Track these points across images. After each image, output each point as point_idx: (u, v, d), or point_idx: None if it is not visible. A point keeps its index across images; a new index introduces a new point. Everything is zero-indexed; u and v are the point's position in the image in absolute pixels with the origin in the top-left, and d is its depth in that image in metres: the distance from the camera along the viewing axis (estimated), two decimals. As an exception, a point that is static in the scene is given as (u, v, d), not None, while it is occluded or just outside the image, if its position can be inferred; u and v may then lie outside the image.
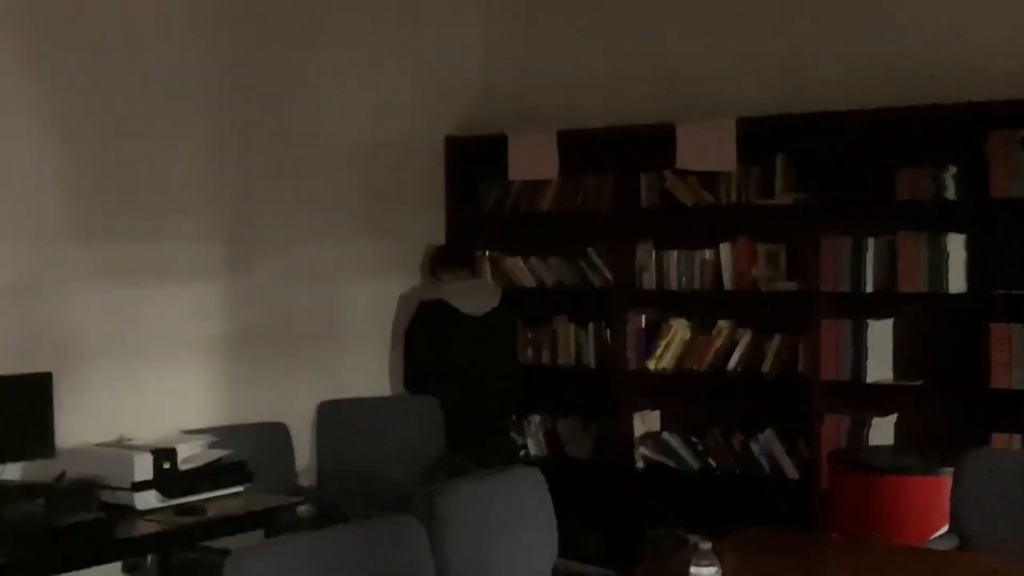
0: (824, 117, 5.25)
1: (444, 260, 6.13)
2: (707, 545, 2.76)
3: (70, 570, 3.59)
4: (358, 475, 5.40)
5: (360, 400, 5.71)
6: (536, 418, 6.22)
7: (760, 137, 5.44)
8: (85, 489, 4.17)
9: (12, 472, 4.31)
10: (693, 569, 2.71)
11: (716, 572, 2.71)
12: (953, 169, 5.06)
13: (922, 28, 5.23)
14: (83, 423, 4.61)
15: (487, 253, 6.28)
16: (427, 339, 5.90)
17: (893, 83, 5.22)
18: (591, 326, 6.04)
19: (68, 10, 4.68)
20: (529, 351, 6.19)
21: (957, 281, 5.07)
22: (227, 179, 5.29)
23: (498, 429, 5.98)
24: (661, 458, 5.84)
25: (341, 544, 3.07)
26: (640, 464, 5.87)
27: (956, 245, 5.07)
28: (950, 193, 5.06)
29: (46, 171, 4.63)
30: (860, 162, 5.28)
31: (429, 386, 5.83)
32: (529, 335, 6.20)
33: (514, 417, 6.19)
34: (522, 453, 6.13)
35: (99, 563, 4.12)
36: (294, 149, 5.59)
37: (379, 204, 6.01)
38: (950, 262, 5.07)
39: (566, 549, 3.86)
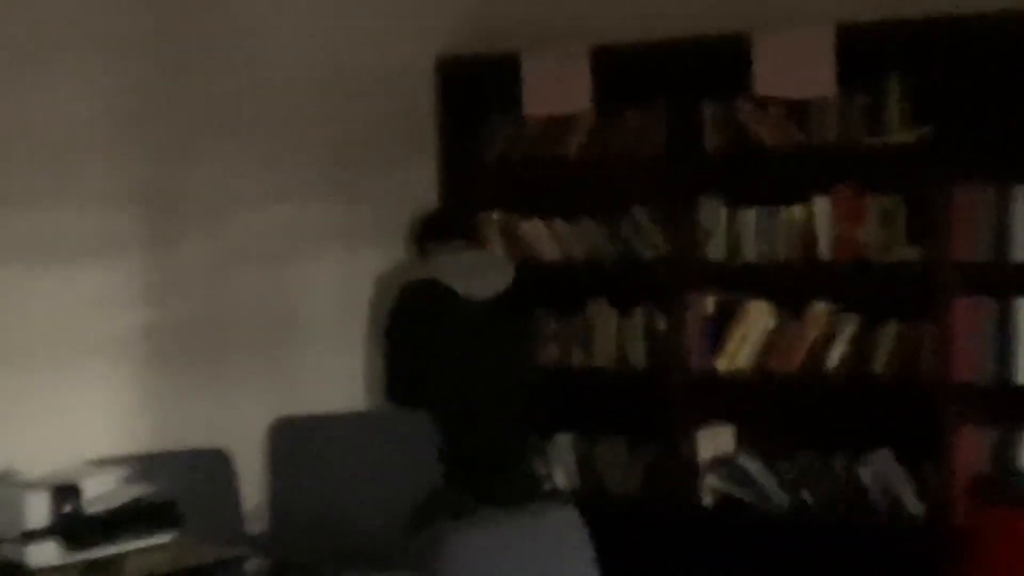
0: (954, 22, 5.21)
1: (435, 228, 6.13)
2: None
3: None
4: (324, 517, 5.38)
5: (326, 417, 5.69)
6: (565, 439, 6.25)
7: (868, 52, 5.41)
8: (-40, 543, 4.19)
9: None
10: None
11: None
12: None
13: None
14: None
15: (494, 216, 6.30)
16: (415, 333, 5.89)
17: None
18: (638, 313, 6.03)
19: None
20: (554, 348, 6.22)
21: None
22: (145, 124, 5.32)
23: (513, 452, 5.97)
24: (736, 490, 5.83)
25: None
26: (707, 500, 5.87)
27: None
28: None
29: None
30: (1005, 85, 5.23)
31: (418, 396, 5.81)
32: (554, 327, 6.23)
33: (534, 437, 6.18)
34: (547, 486, 6.15)
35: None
36: (234, 84, 5.62)
37: (347, 154, 6.04)
38: None
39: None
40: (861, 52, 5.38)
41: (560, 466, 6.22)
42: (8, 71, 4.86)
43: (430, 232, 6.11)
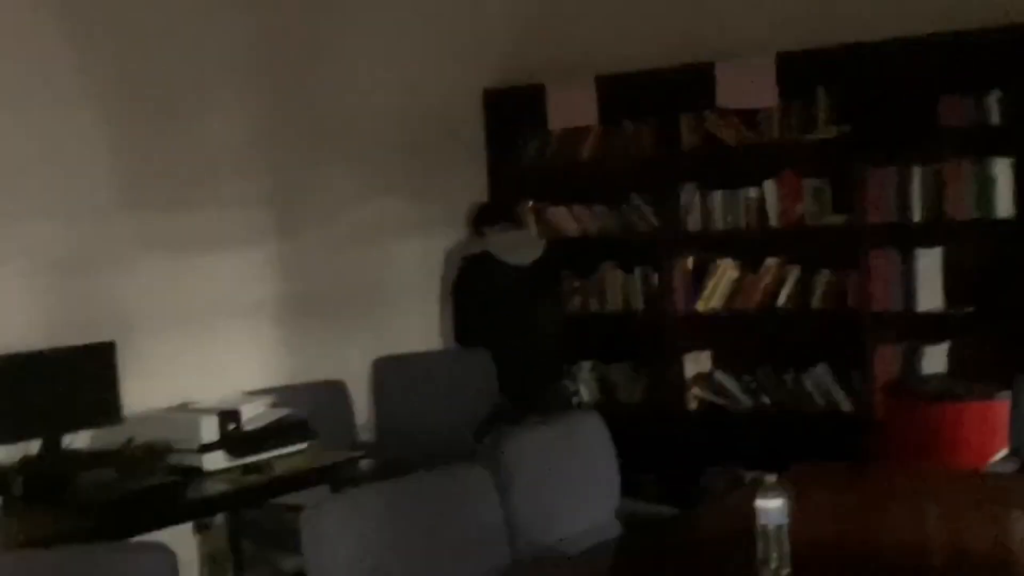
0: (863, 48, 5.24)
1: (487, 214, 6.14)
2: (772, 478, 2.75)
3: (143, 533, 3.64)
4: (416, 428, 5.45)
5: (413, 355, 5.76)
6: (587, 365, 6.25)
7: (800, 72, 5.42)
8: (154, 453, 4.25)
9: (82, 440, 4.38)
10: (759, 502, 2.70)
11: (783, 504, 2.69)
12: (997, 93, 5.03)
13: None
14: (148, 389, 4.66)
15: (530, 204, 6.29)
16: (474, 292, 5.93)
17: (932, 8, 5.18)
18: (637, 271, 6.05)
19: (109, 6, 4.74)
20: (577, 299, 6.21)
21: (1005, 206, 5.06)
22: (269, 145, 5.32)
23: (550, 377, 6.00)
24: (713, 398, 5.88)
25: (411, 495, 3.11)
26: (692, 405, 5.91)
27: (1003, 169, 5.06)
28: (994, 118, 5.05)
29: (98, 148, 4.68)
30: (902, 91, 5.25)
31: (479, 339, 5.85)
32: (576, 284, 6.21)
33: (564, 365, 6.19)
34: (575, 400, 6.15)
35: (171, 524, 4.14)
36: (332, 112, 5.60)
37: (420, 162, 6.01)
38: (997, 187, 5.06)
39: (624, 491, 3.89)
40: (796, 72, 5.41)
41: (584, 385, 6.24)
42: (179, 111, 4.91)
43: (482, 217, 6.10)
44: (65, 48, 4.59)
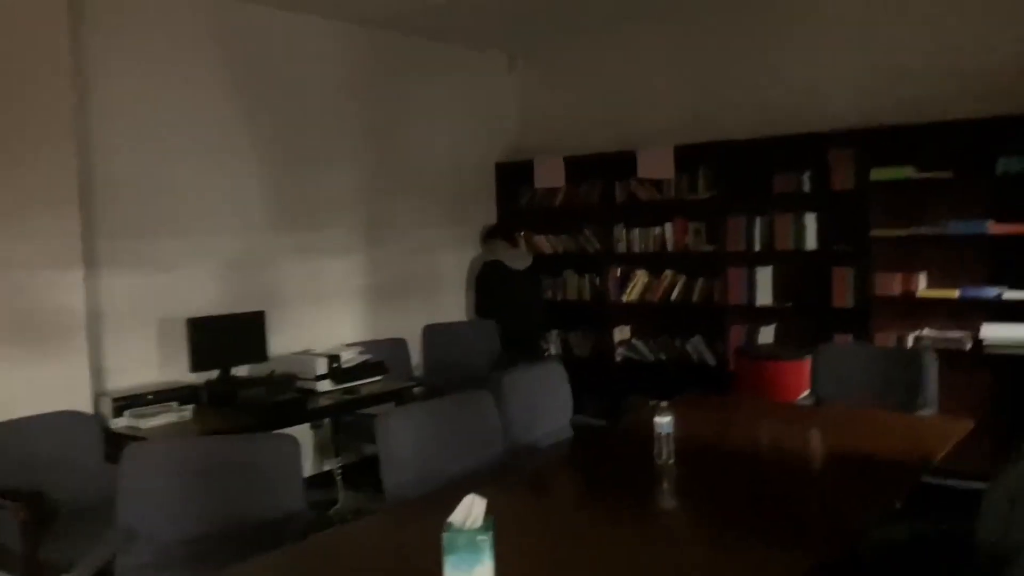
0: (728, 143, 5.23)
1: (490, 232, 6.09)
2: (664, 403, 2.76)
3: (280, 428, 3.66)
4: (449, 368, 5.43)
5: (450, 324, 5.73)
6: (555, 332, 6.21)
7: (688, 156, 5.40)
8: (287, 380, 4.30)
9: (241, 371, 4.42)
10: (657, 418, 2.71)
11: (670, 420, 2.71)
12: (808, 173, 5.01)
13: (786, 86, 5.19)
14: (284, 340, 4.72)
15: (522, 232, 6.24)
16: (489, 285, 5.89)
17: (770, 121, 5.18)
18: (587, 276, 6.00)
19: (266, 85, 4.74)
20: (550, 292, 6.16)
21: (811, 242, 5.04)
22: (366, 191, 5.33)
23: (533, 339, 5.96)
24: (631, 355, 5.84)
25: (444, 409, 3.09)
26: (618, 359, 5.87)
27: (810, 220, 5.04)
28: (806, 188, 5.02)
29: (256, 188, 4.72)
30: (750, 170, 5.22)
31: (490, 314, 5.82)
32: (550, 282, 6.17)
33: (543, 332, 6.14)
34: (547, 353, 6.12)
35: (297, 424, 4.20)
36: (406, 171, 5.60)
37: (457, 203, 5.99)
38: (806, 231, 5.04)
39: (575, 409, 3.88)
40: (686, 156, 5.38)
41: (553, 344, 6.19)
42: (311, 165, 4.95)
43: (488, 234, 6.07)
44: (241, 122, 4.64)
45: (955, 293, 4.52)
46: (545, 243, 6.17)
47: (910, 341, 4.66)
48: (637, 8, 5.30)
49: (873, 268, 4.73)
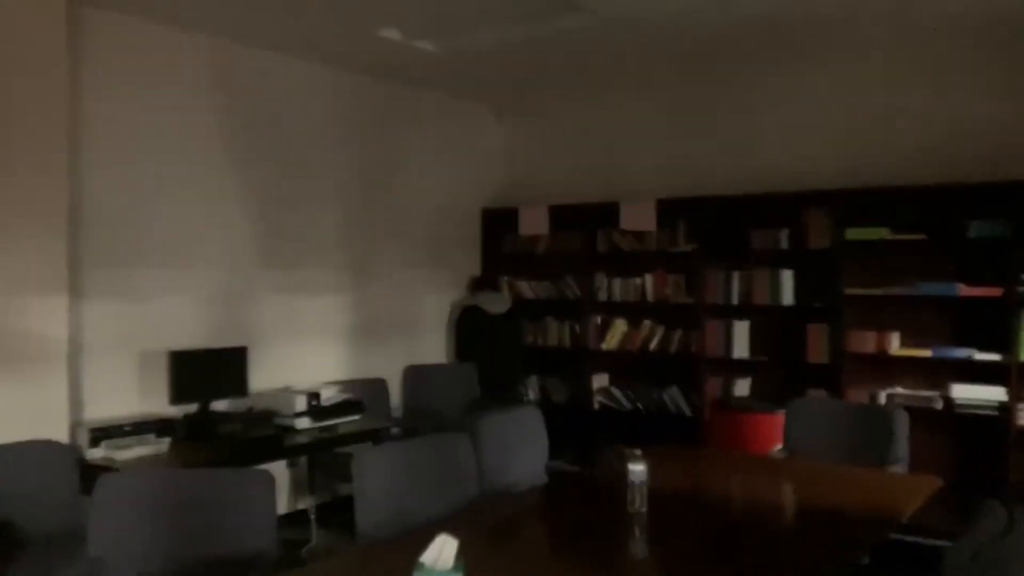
0: (708, 199, 5.30)
1: (479, 282, 6.13)
2: (638, 452, 2.76)
3: (258, 463, 3.64)
4: (427, 409, 5.40)
5: (429, 365, 5.70)
6: (534, 377, 6.20)
7: (669, 210, 5.45)
8: (266, 416, 4.28)
9: (221, 406, 4.38)
10: (630, 465, 2.71)
11: (644, 468, 2.71)
12: (786, 230, 5.08)
13: (766, 147, 5.30)
14: (265, 376, 4.69)
15: (506, 279, 6.26)
16: (467, 328, 5.90)
17: (750, 179, 5.27)
18: (567, 322, 6.01)
19: (257, 124, 4.77)
20: (531, 337, 6.16)
21: (788, 297, 5.09)
22: (352, 232, 5.33)
23: (511, 384, 5.94)
24: (609, 402, 5.83)
25: (421, 450, 3.07)
26: (596, 406, 5.86)
27: (787, 277, 5.10)
28: (784, 245, 5.09)
29: (243, 224, 4.72)
30: (729, 226, 5.29)
31: (469, 357, 5.82)
32: (530, 327, 6.16)
33: (521, 376, 6.13)
34: (525, 399, 6.10)
35: (273, 460, 4.19)
36: (392, 215, 5.61)
37: (441, 248, 6.01)
38: (782, 287, 5.10)
39: (551, 455, 3.84)
40: (667, 210, 5.44)
41: (531, 389, 6.17)
42: (297, 205, 4.94)
43: (475, 284, 6.12)
44: (230, 159, 4.65)
45: (927, 352, 4.57)
46: (527, 289, 6.18)
47: (882, 398, 4.71)
48: (623, 78, 5.41)
49: (846, 325, 4.78)
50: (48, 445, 3.44)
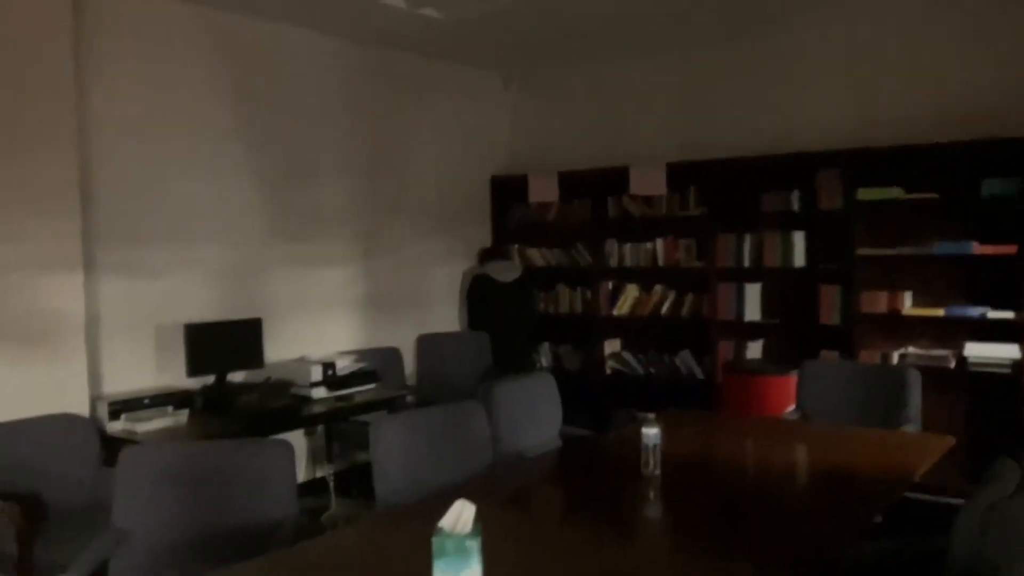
0: (719, 162, 5.26)
1: (489, 251, 6.12)
2: (651, 416, 2.78)
3: (275, 433, 3.68)
4: (441, 378, 5.44)
5: (441, 334, 5.74)
6: (546, 345, 6.23)
7: (680, 174, 5.43)
8: (282, 386, 4.31)
9: (238, 377, 4.42)
10: (644, 430, 2.73)
11: (658, 432, 2.73)
12: (797, 192, 5.06)
13: (776, 108, 5.24)
14: (280, 348, 4.72)
15: (516, 246, 6.27)
16: (479, 298, 5.91)
17: (760, 141, 5.23)
18: (579, 289, 6.02)
19: (265, 97, 4.76)
20: (542, 305, 6.17)
21: (799, 259, 5.08)
22: (362, 204, 5.33)
23: (523, 351, 5.97)
24: (621, 367, 5.85)
25: (436, 418, 3.10)
26: (608, 371, 5.88)
27: (799, 238, 5.08)
28: (795, 207, 5.07)
29: (256, 201, 4.73)
30: (740, 189, 5.27)
31: (481, 326, 5.84)
32: (542, 295, 6.17)
33: (533, 344, 6.16)
34: (538, 366, 6.14)
35: (291, 430, 4.23)
36: (401, 185, 5.61)
37: (451, 217, 6.01)
38: (794, 249, 5.08)
39: (565, 420, 3.88)
40: (677, 174, 5.41)
41: (544, 357, 6.20)
42: (306, 179, 4.94)
43: (486, 253, 6.12)
44: (239, 132, 4.65)
45: (940, 312, 4.56)
46: (538, 256, 6.18)
47: (895, 359, 4.70)
48: (631, 40, 5.35)
49: (859, 286, 4.77)
50: (69, 418, 3.51)
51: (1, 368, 3.44)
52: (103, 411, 3.76)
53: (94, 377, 3.92)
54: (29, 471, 3.31)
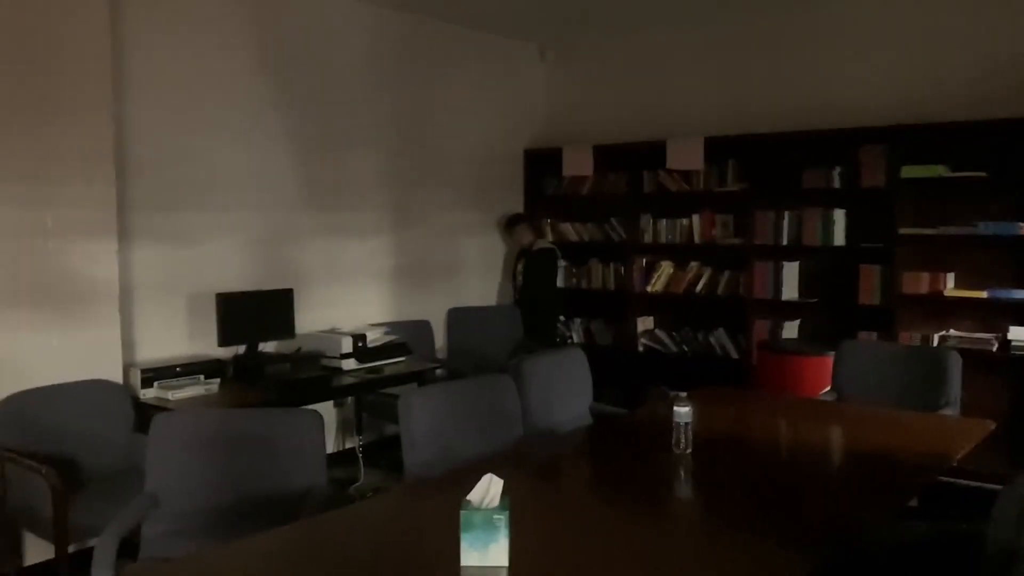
0: (759, 136, 5.21)
1: (514, 219, 6.03)
2: (684, 395, 2.77)
3: (305, 404, 3.71)
4: (471, 351, 5.47)
5: (472, 307, 5.77)
6: (578, 320, 6.23)
7: (718, 148, 5.38)
8: (313, 357, 4.36)
9: (269, 347, 4.47)
10: (676, 408, 2.72)
11: (690, 410, 2.72)
12: (838, 169, 4.99)
13: (819, 81, 5.16)
14: (311, 318, 4.75)
15: (548, 220, 6.26)
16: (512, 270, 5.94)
17: (802, 115, 5.16)
18: (612, 265, 6.00)
19: (299, 65, 4.77)
20: (574, 280, 6.16)
21: (839, 238, 5.02)
22: (393, 174, 5.34)
23: (554, 326, 5.97)
24: (654, 345, 5.84)
25: (466, 391, 3.12)
26: (641, 348, 5.87)
27: (839, 216, 5.02)
28: (836, 184, 5.00)
29: (287, 170, 4.75)
30: (780, 164, 5.21)
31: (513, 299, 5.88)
32: (574, 270, 6.17)
33: (564, 318, 6.16)
34: (569, 341, 6.14)
35: (321, 401, 4.26)
36: (433, 156, 5.61)
37: (484, 190, 6.01)
38: (835, 227, 5.02)
39: (595, 397, 3.88)
40: (715, 148, 5.37)
41: (575, 332, 6.20)
42: (340, 149, 4.96)
43: (511, 221, 6.00)
44: (273, 101, 4.66)
45: (983, 294, 4.48)
46: (571, 231, 6.17)
47: (935, 341, 4.64)
48: (670, 9, 5.28)
49: (900, 266, 4.70)
50: (103, 385, 3.58)
51: (37, 334, 3.50)
52: (136, 378, 3.83)
53: (127, 344, 3.98)
54: (64, 436, 3.39)
